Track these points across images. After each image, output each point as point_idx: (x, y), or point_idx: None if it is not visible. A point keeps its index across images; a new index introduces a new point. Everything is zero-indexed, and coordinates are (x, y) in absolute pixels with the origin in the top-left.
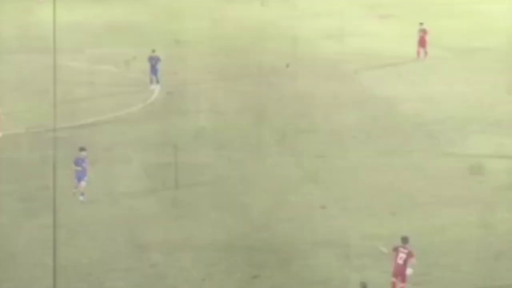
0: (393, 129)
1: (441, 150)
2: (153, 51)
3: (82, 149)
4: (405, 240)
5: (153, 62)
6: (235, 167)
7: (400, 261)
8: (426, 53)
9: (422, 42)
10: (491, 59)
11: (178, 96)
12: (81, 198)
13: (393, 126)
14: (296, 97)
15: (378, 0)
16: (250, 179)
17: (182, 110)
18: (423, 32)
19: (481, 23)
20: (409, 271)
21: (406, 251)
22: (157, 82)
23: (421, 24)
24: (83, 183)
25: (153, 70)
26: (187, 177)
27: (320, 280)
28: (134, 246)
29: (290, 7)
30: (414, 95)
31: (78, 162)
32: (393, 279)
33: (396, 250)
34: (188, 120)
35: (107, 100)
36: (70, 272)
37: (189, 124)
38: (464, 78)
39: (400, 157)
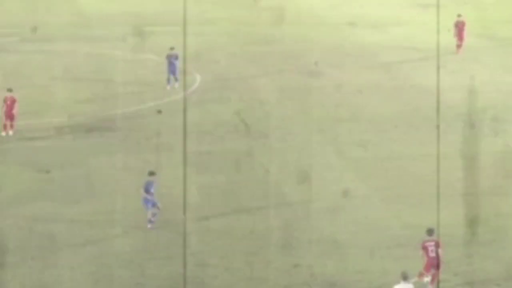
0: (434, 119)
1: (483, 139)
2: (172, 48)
3: (151, 173)
4: (430, 232)
5: (172, 60)
6: (277, 156)
7: (432, 254)
8: (462, 44)
9: (460, 33)
10: None
11: (217, 86)
12: (149, 226)
13: (434, 116)
14: (337, 87)
15: None
16: (290, 169)
17: (223, 99)
18: (461, 23)
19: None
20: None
21: (432, 243)
22: (176, 80)
23: (459, 16)
24: (150, 211)
25: (172, 68)
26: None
27: (360, 270)
28: None
29: None
30: (455, 85)
31: (147, 188)
32: (428, 273)
33: (423, 245)
34: (229, 109)
35: (149, 89)
36: None
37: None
38: (505, 67)
39: (441, 147)
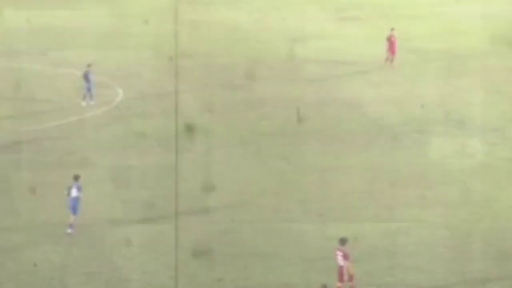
0: (357, 132)
1: (405, 151)
2: (89, 65)
3: (76, 177)
4: (342, 241)
5: (89, 76)
6: (200, 169)
7: (340, 263)
8: (393, 58)
9: (391, 47)
10: (454, 61)
11: (141, 99)
12: (69, 230)
13: (357, 129)
14: (261, 100)
15: (342, 2)
16: (215, 182)
17: (146, 113)
18: (393, 37)
19: (445, 25)
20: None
21: (341, 252)
22: (91, 97)
23: (392, 29)
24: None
25: (88, 85)
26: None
27: (284, 282)
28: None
29: (255, 10)
30: (378, 98)
31: (69, 191)
32: (339, 284)
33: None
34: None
35: (70, 103)
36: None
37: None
38: (427, 80)
39: (364, 159)
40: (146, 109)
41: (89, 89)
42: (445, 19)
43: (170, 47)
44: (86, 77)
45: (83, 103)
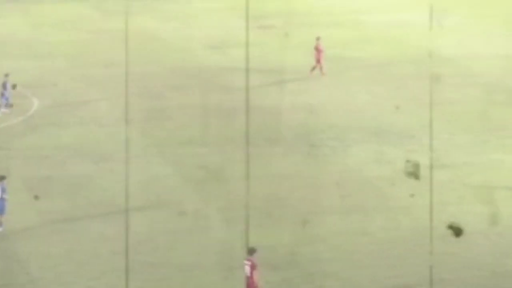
0: (275, 139)
1: (322, 159)
2: (6, 75)
3: (1, 178)
4: (251, 251)
5: (6, 85)
6: (118, 179)
7: (248, 273)
8: (321, 68)
9: (319, 57)
10: (370, 68)
11: (57, 109)
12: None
13: (275, 136)
14: (180, 109)
15: (260, 11)
16: (133, 191)
17: (62, 122)
18: (320, 46)
19: (361, 33)
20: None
21: (249, 262)
22: (6, 106)
23: (317, 38)
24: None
25: (5, 94)
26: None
27: None
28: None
29: (173, 18)
30: (296, 106)
31: None
32: None
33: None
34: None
35: None
36: None
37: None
38: (344, 88)
39: (283, 167)
40: (62, 119)
41: (7, 99)
42: (362, 27)
43: (87, 56)
44: (4, 86)
45: (6, 110)
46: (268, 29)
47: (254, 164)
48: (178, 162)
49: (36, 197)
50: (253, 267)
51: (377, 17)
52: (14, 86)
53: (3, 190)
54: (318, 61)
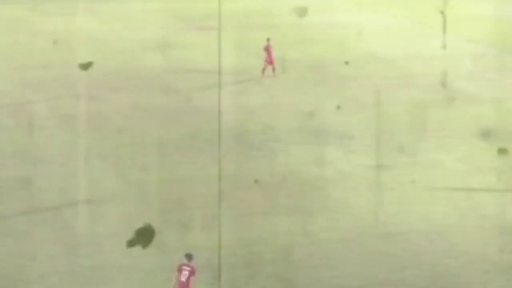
0: (215, 140)
1: (263, 160)
2: None
3: None
4: (189, 257)
5: None
6: (57, 181)
7: (183, 279)
8: (274, 69)
9: (269, 57)
10: (310, 69)
11: None
12: None
13: (214, 138)
14: (120, 110)
15: (198, 12)
16: (71, 194)
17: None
18: (270, 47)
19: (300, 34)
20: None
21: (189, 268)
22: None
23: (268, 40)
24: None
25: None
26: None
27: None
28: None
29: (112, 19)
30: (236, 107)
31: None
32: None
33: (179, 267)
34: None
35: None
36: None
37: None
38: (284, 89)
39: (222, 168)
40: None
41: None
42: (301, 29)
43: (25, 58)
44: None
45: None
46: (208, 30)
47: (193, 165)
48: (119, 164)
49: None
50: (192, 272)
51: (315, 18)
52: None
53: None
54: (269, 62)
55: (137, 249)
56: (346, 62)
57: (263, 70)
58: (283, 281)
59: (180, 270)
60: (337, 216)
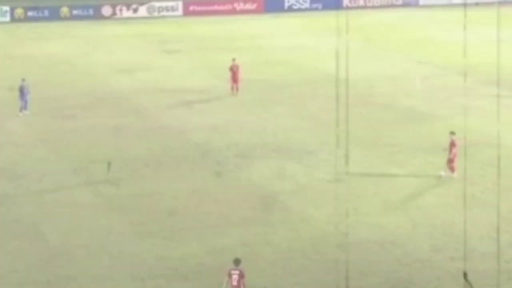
0: (182, 157)
1: (228, 175)
2: (23, 80)
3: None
4: (236, 262)
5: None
6: (34, 197)
7: (235, 282)
8: (237, 88)
9: (234, 76)
10: (271, 89)
11: None
12: None
13: (182, 154)
14: (91, 129)
15: (164, 36)
16: (48, 209)
17: None
18: (236, 67)
19: (261, 57)
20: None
21: (238, 272)
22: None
23: (233, 60)
24: None
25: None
26: None
27: None
28: None
29: (83, 43)
30: (201, 125)
31: None
32: None
33: (229, 272)
34: None
35: None
36: None
37: None
38: (247, 108)
39: (190, 183)
40: None
41: (25, 101)
42: (261, 52)
43: (4, 79)
44: (21, 90)
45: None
46: (173, 53)
47: (162, 180)
48: (91, 179)
49: None
50: (241, 276)
51: (274, 42)
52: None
53: None
54: (235, 80)
55: (109, 259)
56: (304, 83)
57: (232, 88)
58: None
59: (229, 275)
60: (296, 227)
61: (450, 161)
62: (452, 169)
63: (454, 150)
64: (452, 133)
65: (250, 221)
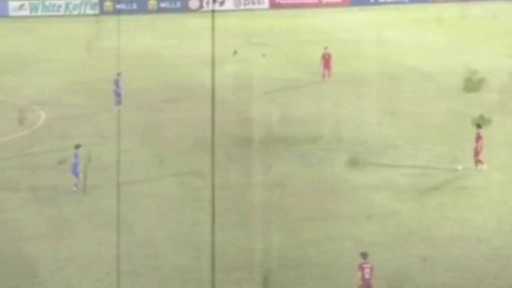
0: (268, 149)
1: (312, 168)
2: (118, 74)
3: (77, 146)
4: (364, 255)
5: (119, 84)
6: (120, 189)
7: (367, 276)
8: (330, 75)
9: (326, 65)
10: (355, 82)
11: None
12: (74, 189)
13: (266, 147)
14: (176, 121)
15: (251, 29)
16: (135, 199)
17: (67, 135)
18: (328, 55)
19: (346, 50)
20: None
21: (369, 265)
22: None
23: (325, 48)
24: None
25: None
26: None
27: None
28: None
29: (170, 36)
30: (287, 117)
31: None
32: None
33: (360, 266)
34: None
35: None
36: None
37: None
38: (331, 101)
39: (274, 176)
40: (66, 131)
41: (119, 95)
42: (347, 45)
43: (88, 73)
44: (117, 84)
45: (119, 107)
46: (261, 46)
47: (247, 172)
48: (177, 171)
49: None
50: (372, 269)
51: (360, 35)
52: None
53: (76, 156)
54: (327, 67)
55: (192, 251)
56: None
57: (323, 75)
58: (330, 282)
59: (361, 269)
60: (381, 221)
61: (477, 154)
62: (478, 162)
63: (480, 143)
64: (478, 125)
65: (334, 215)
